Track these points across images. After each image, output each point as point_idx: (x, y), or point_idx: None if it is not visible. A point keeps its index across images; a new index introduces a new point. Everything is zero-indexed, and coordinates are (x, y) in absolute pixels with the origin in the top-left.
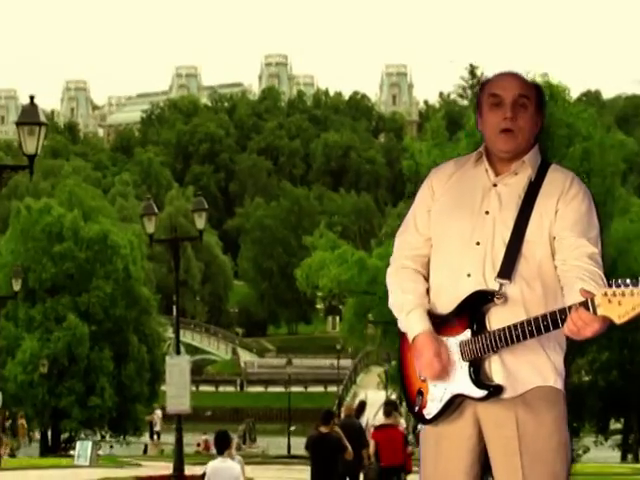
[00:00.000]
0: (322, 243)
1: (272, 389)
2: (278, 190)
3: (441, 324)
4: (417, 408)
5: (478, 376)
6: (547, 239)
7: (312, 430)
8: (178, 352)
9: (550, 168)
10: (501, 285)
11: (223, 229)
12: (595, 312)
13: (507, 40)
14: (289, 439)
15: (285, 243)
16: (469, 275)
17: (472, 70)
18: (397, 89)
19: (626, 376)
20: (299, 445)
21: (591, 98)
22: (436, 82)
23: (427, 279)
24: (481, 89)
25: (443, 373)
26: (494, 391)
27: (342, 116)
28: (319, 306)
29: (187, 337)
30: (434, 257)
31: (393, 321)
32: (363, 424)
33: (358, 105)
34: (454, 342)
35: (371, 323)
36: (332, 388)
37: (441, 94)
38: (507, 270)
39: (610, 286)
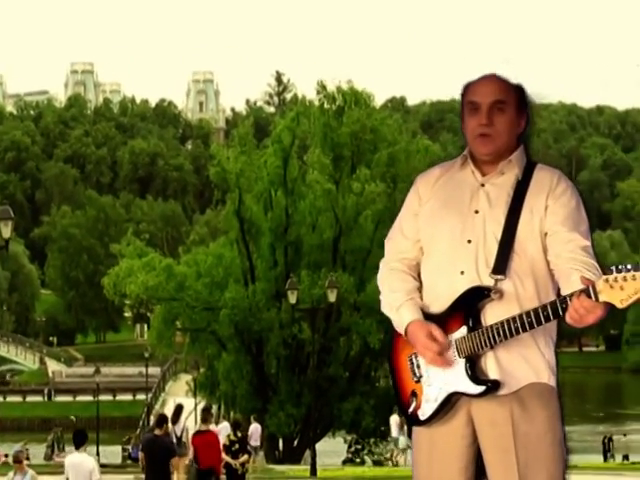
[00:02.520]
0: (129, 251)
1: (80, 398)
2: (84, 198)
3: (436, 322)
4: (411, 410)
5: (474, 372)
6: (538, 235)
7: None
8: None
9: (536, 167)
10: (496, 281)
11: (30, 238)
12: (597, 298)
13: (314, 46)
14: (98, 448)
15: (92, 251)
16: (462, 272)
17: (278, 77)
18: (204, 96)
19: None
20: (108, 454)
21: (396, 104)
22: (243, 89)
23: (416, 279)
24: (463, 93)
25: (442, 352)
26: (492, 387)
27: (149, 123)
28: (127, 314)
29: None
30: (426, 259)
31: (201, 328)
32: (180, 427)
33: (165, 112)
34: (451, 339)
35: (179, 330)
36: (141, 396)
37: (248, 101)
38: (501, 266)
39: (611, 272)
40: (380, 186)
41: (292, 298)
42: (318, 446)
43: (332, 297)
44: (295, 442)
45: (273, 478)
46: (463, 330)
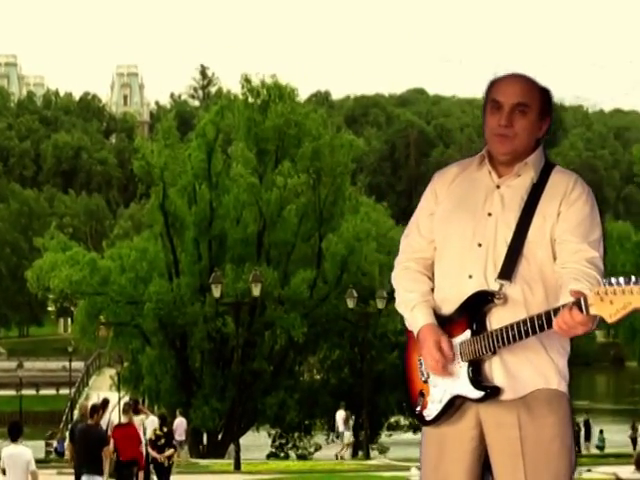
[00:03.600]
0: (53, 245)
1: (3, 392)
2: (8, 192)
3: (443, 325)
4: (418, 409)
5: (477, 377)
6: (548, 241)
7: (78, 422)
8: None
9: (554, 170)
10: (501, 285)
11: None
12: (588, 311)
13: (238, 40)
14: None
15: (15, 245)
16: (471, 277)
17: (203, 71)
18: (128, 89)
19: (357, 374)
20: (30, 449)
21: (320, 98)
22: (167, 82)
23: (431, 279)
24: (488, 90)
25: (445, 363)
26: (491, 392)
27: (73, 117)
28: (51, 308)
29: None
30: (438, 259)
31: (125, 322)
32: (105, 421)
33: (89, 106)
34: (455, 342)
35: (103, 324)
36: (64, 390)
37: (172, 95)
38: (508, 271)
39: (603, 285)
40: (304, 180)
41: (216, 292)
42: (242, 440)
43: (256, 291)
44: (219, 436)
45: (197, 472)
46: (467, 334)
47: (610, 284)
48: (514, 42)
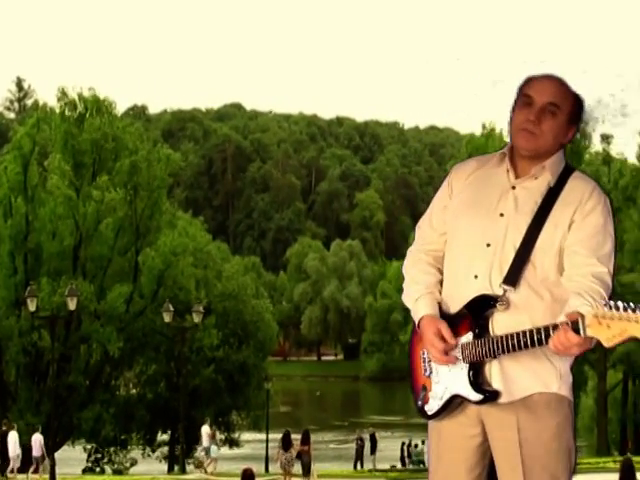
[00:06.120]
0: None
1: None
2: None
3: (448, 323)
4: (420, 403)
5: (477, 379)
6: (557, 250)
7: None
8: None
9: (572, 175)
10: (505, 291)
11: None
12: (585, 332)
13: (55, 52)
14: None
15: None
16: (476, 277)
17: (19, 83)
18: None
19: (173, 388)
20: None
21: (137, 112)
22: None
23: (440, 272)
24: (522, 85)
25: (446, 351)
26: (490, 396)
27: None
28: None
29: None
30: (447, 254)
31: None
32: None
33: None
34: (458, 342)
35: None
36: None
37: None
38: (513, 276)
39: (602, 308)
40: (121, 194)
41: (32, 306)
42: (57, 455)
43: (72, 305)
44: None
45: None
46: (469, 336)
47: (609, 308)
48: (333, 57)
